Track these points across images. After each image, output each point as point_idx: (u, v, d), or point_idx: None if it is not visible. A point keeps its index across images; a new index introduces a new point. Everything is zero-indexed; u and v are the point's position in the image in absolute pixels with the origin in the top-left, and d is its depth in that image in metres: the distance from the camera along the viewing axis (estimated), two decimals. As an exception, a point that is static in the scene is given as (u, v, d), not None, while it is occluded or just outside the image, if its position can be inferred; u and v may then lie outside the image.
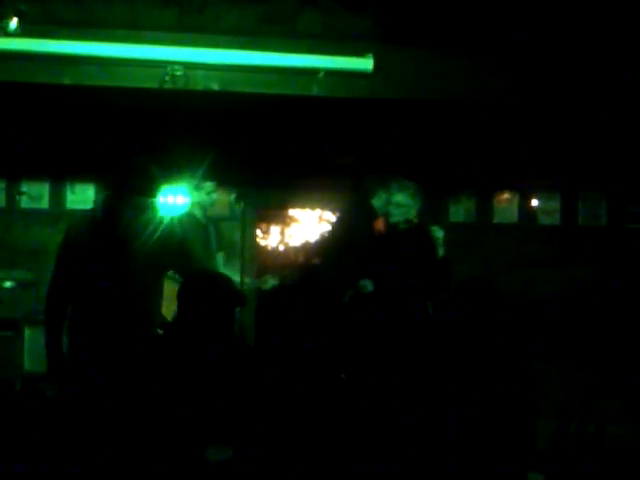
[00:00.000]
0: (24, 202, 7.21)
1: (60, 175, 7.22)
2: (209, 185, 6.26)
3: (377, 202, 6.05)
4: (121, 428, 3.53)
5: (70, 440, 4.62)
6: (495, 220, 7.68)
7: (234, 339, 3.87)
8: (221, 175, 7.13)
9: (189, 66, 5.54)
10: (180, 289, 3.86)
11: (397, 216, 5.94)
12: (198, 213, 6.28)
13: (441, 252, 5.88)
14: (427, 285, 5.90)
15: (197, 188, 6.27)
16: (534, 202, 7.71)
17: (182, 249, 4.84)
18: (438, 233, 5.90)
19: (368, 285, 5.91)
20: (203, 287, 3.73)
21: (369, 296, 5.90)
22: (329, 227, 7.30)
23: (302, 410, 5.51)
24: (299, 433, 4.79)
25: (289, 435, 4.10)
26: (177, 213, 6.43)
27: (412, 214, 5.92)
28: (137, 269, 4.52)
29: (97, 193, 7.24)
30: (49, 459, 5.04)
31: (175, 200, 6.49)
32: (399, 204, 5.92)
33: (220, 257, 6.20)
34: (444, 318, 3.95)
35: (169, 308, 6.10)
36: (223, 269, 6.11)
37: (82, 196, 7.22)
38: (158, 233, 4.57)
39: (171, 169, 6.51)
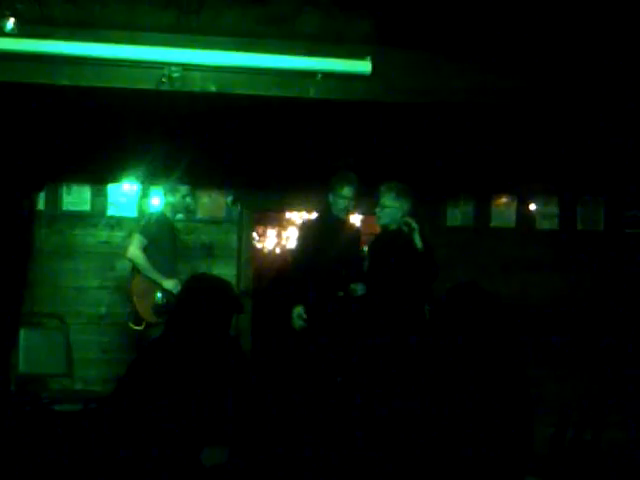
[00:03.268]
0: (20, 203, 7.18)
1: (56, 176, 7.19)
2: (184, 189, 6.39)
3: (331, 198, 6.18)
4: (116, 430, 3.51)
5: (63, 441, 4.60)
6: (493, 224, 7.66)
7: (230, 343, 3.85)
8: (217, 177, 7.15)
9: (186, 67, 5.53)
10: (180, 291, 3.84)
11: (341, 208, 6.08)
12: (168, 213, 6.40)
13: (419, 243, 5.82)
14: (418, 286, 5.89)
15: (173, 190, 6.37)
16: (532, 206, 7.69)
17: None
18: (410, 230, 5.87)
19: (358, 289, 5.91)
20: (202, 291, 3.71)
21: (364, 300, 5.89)
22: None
23: (298, 413, 5.49)
24: (295, 436, 4.77)
25: (285, 438, 4.08)
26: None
27: (398, 215, 5.89)
28: None
29: (93, 195, 7.23)
30: (44, 460, 5.02)
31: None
32: (344, 197, 6.05)
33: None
34: (438, 322, 3.93)
35: (141, 304, 6.14)
36: None
37: (78, 198, 7.20)
38: None
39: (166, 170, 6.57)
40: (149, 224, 6.30)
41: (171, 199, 6.39)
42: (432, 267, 5.82)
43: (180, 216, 6.66)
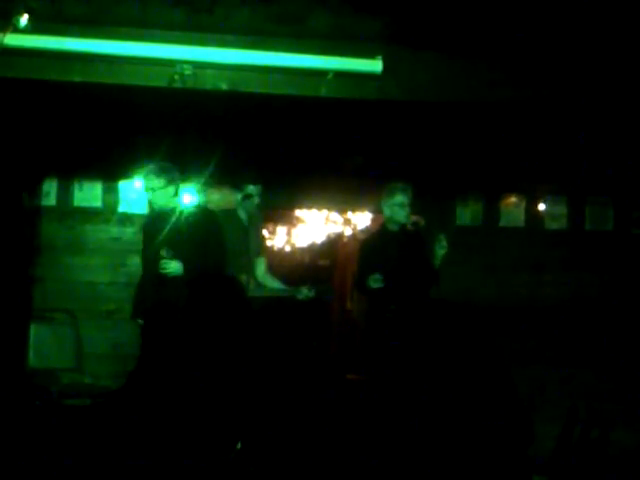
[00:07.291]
0: (31, 199, 7.22)
1: (68, 172, 7.22)
2: (252, 189, 6.35)
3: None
4: (124, 425, 3.53)
5: (76, 437, 4.61)
6: (501, 224, 7.67)
7: (242, 339, 3.87)
8: (228, 175, 7.17)
9: (198, 65, 5.54)
10: (188, 288, 3.85)
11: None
12: (242, 215, 6.40)
13: (438, 263, 5.86)
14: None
15: (244, 193, 6.35)
16: (541, 206, 7.70)
17: None
18: (441, 247, 5.89)
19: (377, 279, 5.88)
20: (209, 288, 3.71)
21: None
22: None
23: (309, 410, 5.51)
24: (306, 433, 4.79)
25: (295, 435, 4.10)
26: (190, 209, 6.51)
27: (403, 214, 5.95)
28: None
29: (104, 191, 7.26)
30: (52, 454, 5.05)
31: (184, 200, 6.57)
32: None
33: (261, 262, 6.27)
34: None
35: None
36: (264, 275, 6.25)
37: (89, 194, 7.23)
38: None
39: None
40: None
41: (241, 202, 6.39)
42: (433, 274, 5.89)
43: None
